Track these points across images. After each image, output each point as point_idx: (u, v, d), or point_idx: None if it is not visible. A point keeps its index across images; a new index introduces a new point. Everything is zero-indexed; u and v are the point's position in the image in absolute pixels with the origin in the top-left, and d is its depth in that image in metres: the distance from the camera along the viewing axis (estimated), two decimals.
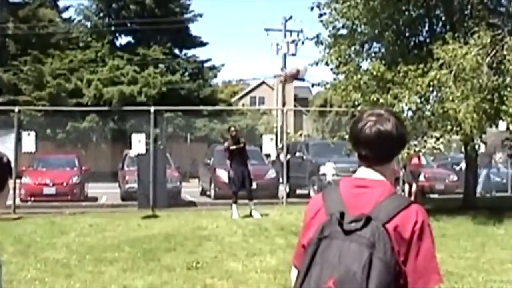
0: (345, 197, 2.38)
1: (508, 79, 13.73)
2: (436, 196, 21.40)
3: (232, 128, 15.80)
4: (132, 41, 36.69)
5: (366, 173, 2.44)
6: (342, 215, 2.24)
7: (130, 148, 18.06)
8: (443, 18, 16.45)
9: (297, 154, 22.28)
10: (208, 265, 9.24)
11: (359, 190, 2.39)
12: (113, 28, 35.44)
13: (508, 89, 13.63)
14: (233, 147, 15.18)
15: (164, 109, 24.31)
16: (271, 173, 21.47)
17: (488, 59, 13.63)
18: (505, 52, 13.63)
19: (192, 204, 19.73)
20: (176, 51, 36.96)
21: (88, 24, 36.34)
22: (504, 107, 13.58)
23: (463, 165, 22.89)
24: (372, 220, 2.21)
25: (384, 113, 2.45)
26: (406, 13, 15.87)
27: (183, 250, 10.50)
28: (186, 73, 35.76)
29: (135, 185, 17.88)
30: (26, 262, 9.43)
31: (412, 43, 16.69)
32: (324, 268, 2.18)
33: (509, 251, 10.12)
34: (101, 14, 36.11)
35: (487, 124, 14.69)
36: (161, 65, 34.52)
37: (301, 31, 28.42)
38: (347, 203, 2.34)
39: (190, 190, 22.68)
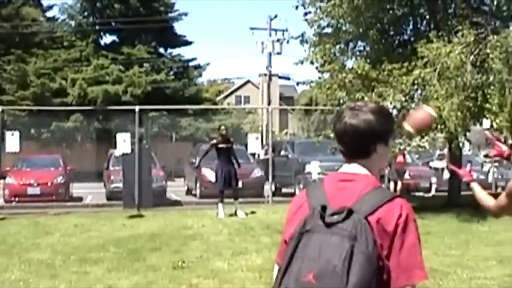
0: (329, 191, 2.35)
1: (491, 77, 13.83)
2: (421, 194, 21.49)
3: (223, 127, 15.93)
4: (117, 40, 36.52)
5: (350, 167, 2.42)
6: (324, 208, 2.21)
7: (115, 147, 18.00)
8: (427, 16, 16.57)
9: (283, 152, 22.31)
10: (193, 265, 9.23)
11: (343, 184, 2.36)
12: (97, 27, 35.23)
13: (492, 87, 13.73)
14: (222, 145, 15.20)
15: (149, 108, 24.21)
16: (257, 172, 21.47)
17: (471, 57, 13.73)
18: (488, 51, 13.73)
19: (177, 203, 19.69)
20: (161, 50, 36.87)
21: (72, 23, 36.08)
22: (487, 105, 13.68)
23: (434, 164, 23.01)
24: (354, 212, 2.17)
25: (360, 107, 2.41)
26: (391, 11, 15.97)
27: (169, 250, 10.48)
28: (171, 72, 35.67)
29: (120, 185, 17.85)
30: (10, 263, 9.38)
31: (396, 41, 16.80)
32: (304, 262, 2.14)
33: (492, 248, 10.19)
34: (85, 13, 35.89)
35: (471, 122, 14.81)
36: (146, 64, 34.40)
37: (286, 30, 28.47)
38: (330, 197, 2.31)
39: (175, 189, 22.64)
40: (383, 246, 2.19)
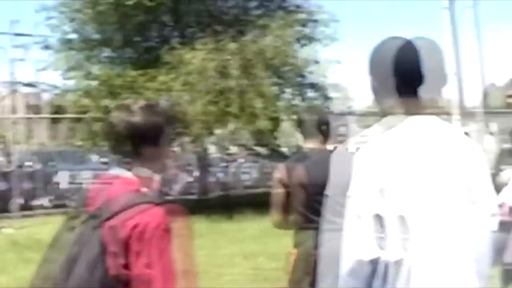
0: (92, 193, 2.28)
1: (232, 83, 14.50)
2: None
3: None
4: None
5: (116, 169, 2.30)
6: (78, 212, 2.20)
7: None
8: (172, 24, 16.89)
9: (29, 163, 21.35)
10: None
11: (103, 186, 2.29)
12: None
13: (232, 92, 14.40)
14: None
15: None
16: (1, 186, 20.28)
17: (213, 63, 14.28)
18: (229, 57, 14.40)
19: None
20: None
21: None
22: (229, 109, 14.33)
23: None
24: (96, 216, 2.12)
25: (127, 106, 2.31)
26: (135, 18, 16.01)
27: None
28: None
29: None
30: None
31: (141, 48, 16.89)
32: (47, 265, 2.16)
33: (239, 245, 10.67)
34: None
35: (216, 125, 15.40)
36: None
37: (31, 35, 27.23)
38: (90, 200, 2.24)
39: None
40: (119, 254, 2.07)
